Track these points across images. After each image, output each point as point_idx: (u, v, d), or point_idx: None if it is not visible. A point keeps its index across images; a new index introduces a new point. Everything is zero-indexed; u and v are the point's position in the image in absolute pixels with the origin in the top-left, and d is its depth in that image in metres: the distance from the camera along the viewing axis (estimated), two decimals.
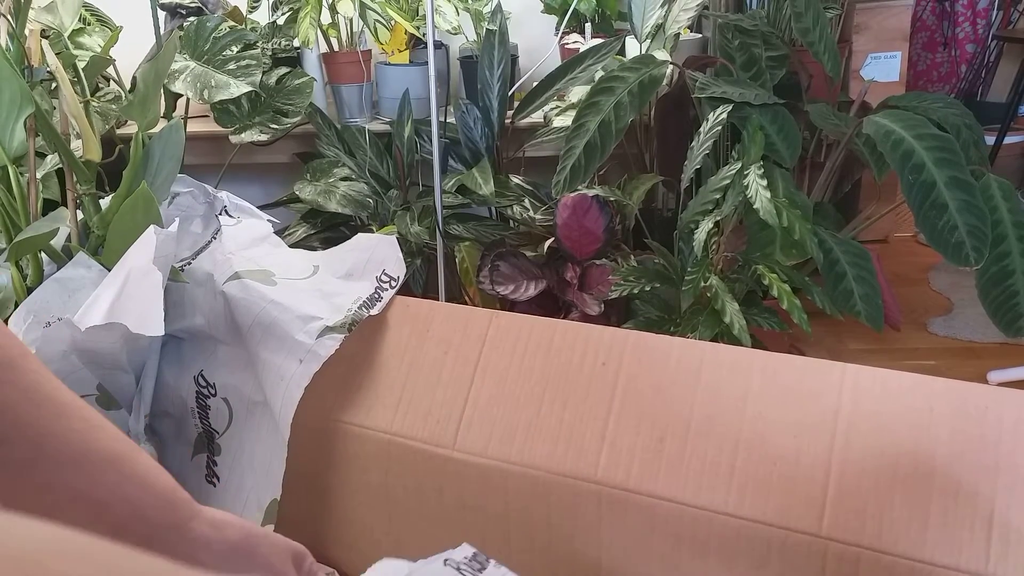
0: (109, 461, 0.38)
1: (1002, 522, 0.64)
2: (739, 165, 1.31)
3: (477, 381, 0.85)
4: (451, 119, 1.81)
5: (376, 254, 0.98)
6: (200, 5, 1.83)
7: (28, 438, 0.36)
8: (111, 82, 1.80)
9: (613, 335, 0.82)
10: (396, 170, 1.82)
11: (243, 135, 1.79)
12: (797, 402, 0.73)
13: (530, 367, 0.84)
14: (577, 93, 1.76)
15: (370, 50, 1.97)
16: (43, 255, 1.02)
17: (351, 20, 1.90)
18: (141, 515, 0.39)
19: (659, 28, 1.78)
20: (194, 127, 1.95)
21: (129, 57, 1.75)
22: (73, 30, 1.57)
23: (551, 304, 1.55)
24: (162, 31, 1.75)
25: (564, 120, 1.74)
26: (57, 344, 0.84)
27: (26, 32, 1.05)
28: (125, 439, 0.40)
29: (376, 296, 0.93)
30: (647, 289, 1.36)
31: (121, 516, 0.38)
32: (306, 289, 0.94)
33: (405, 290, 0.95)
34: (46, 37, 1.30)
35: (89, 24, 1.84)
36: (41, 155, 1.39)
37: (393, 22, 1.84)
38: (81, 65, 1.38)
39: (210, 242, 1.01)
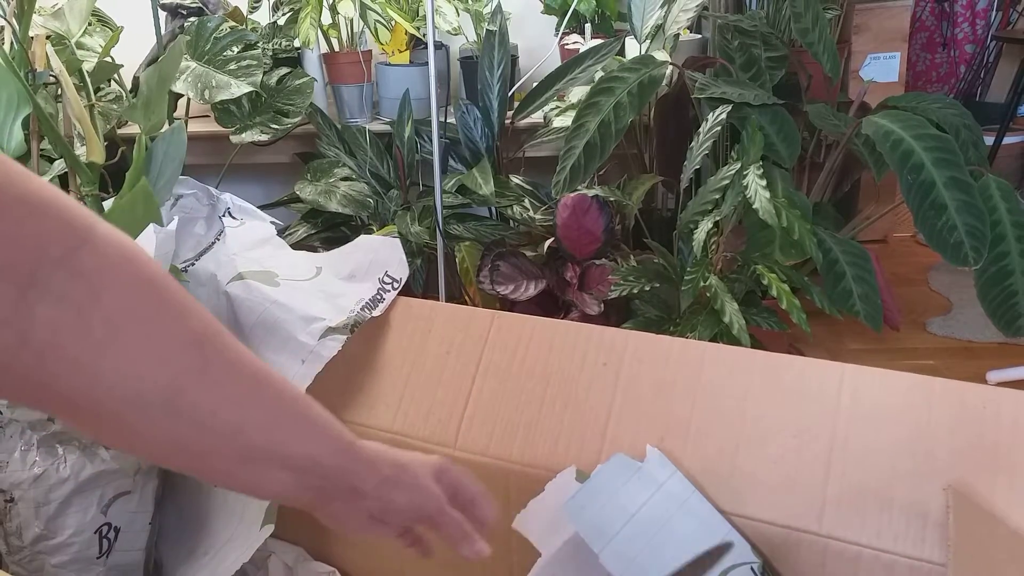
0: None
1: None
2: (738, 165, 1.32)
3: (478, 380, 0.86)
4: (451, 119, 1.82)
5: (379, 256, 0.99)
6: (201, 5, 1.84)
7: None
8: (111, 82, 1.80)
9: (614, 335, 0.83)
10: (396, 170, 1.82)
11: (244, 135, 1.79)
12: (797, 402, 0.74)
13: (531, 367, 0.84)
14: (577, 93, 1.77)
15: (370, 50, 1.98)
16: None
17: (351, 20, 1.91)
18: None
19: (659, 29, 1.78)
20: (195, 127, 1.96)
21: (130, 57, 1.76)
22: None
23: (551, 304, 1.56)
24: (163, 31, 1.75)
25: (564, 120, 1.74)
26: None
27: (31, 36, 1.06)
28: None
29: (379, 297, 0.94)
30: (647, 289, 1.37)
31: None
32: (309, 290, 0.94)
33: (405, 290, 0.96)
34: (50, 39, 1.30)
35: (90, 24, 1.85)
36: (49, 159, 1.39)
37: (393, 22, 1.84)
38: (83, 66, 1.39)
39: (213, 243, 1.01)
